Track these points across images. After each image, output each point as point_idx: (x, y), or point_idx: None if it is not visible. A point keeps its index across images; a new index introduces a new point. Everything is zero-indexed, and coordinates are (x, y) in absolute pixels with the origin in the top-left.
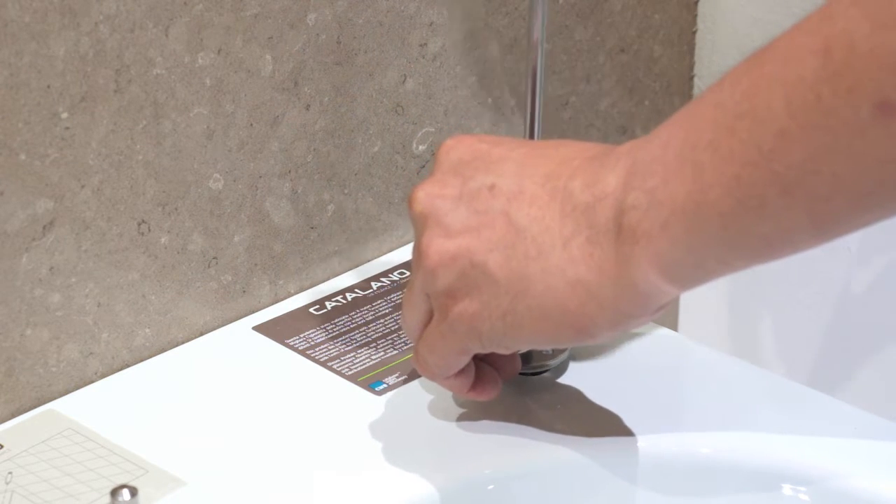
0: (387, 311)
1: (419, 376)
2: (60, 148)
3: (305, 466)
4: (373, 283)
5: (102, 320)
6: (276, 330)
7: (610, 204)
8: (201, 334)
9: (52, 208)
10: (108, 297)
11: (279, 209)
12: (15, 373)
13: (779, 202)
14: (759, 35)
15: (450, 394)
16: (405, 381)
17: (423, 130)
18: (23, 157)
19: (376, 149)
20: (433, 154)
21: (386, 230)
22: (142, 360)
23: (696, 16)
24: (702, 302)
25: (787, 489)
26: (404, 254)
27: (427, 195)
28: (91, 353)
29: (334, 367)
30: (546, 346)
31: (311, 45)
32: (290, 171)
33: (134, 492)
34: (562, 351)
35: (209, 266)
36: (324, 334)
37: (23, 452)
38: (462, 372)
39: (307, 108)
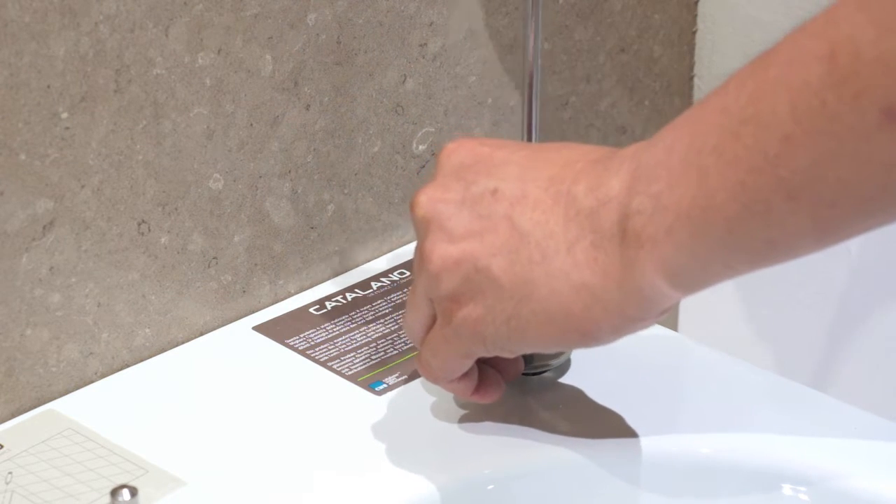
0: (387, 311)
1: (419, 376)
2: (60, 148)
3: (305, 466)
4: (373, 283)
5: (102, 320)
6: (276, 330)
7: (614, 208)
8: (201, 334)
9: (52, 208)
10: (108, 297)
11: (279, 209)
12: (15, 373)
13: (784, 207)
14: (759, 35)
15: (450, 394)
16: (405, 382)
17: (423, 130)
18: (23, 157)
19: (376, 149)
20: (433, 154)
21: (386, 230)
22: (142, 360)
23: (696, 16)
24: (702, 302)
25: (787, 489)
26: (404, 254)
27: (429, 199)
28: (91, 353)
29: (334, 367)
30: (550, 350)
31: (311, 45)
32: (290, 171)
33: (134, 492)
34: (563, 351)
35: (209, 266)
36: (324, 334)
37: (23, 452)
38: (465, 375)
39: (307, 108)
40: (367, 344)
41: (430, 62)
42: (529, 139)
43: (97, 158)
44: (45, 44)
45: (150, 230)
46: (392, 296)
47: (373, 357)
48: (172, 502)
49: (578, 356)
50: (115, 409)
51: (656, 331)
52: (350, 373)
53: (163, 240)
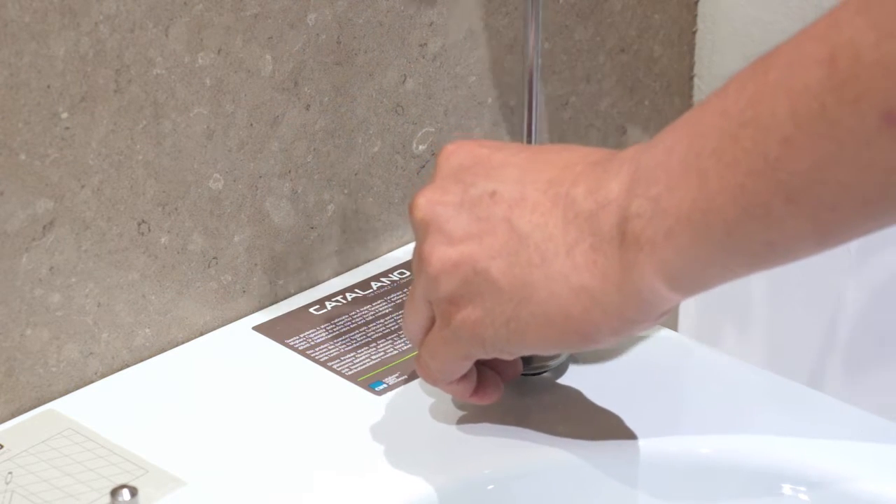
0: (387, 311)
1: (419, 376)
2: (60, 148)
3: (305, 466)
4: (373, 283)
5: (102, 320)
6: (276, 330)
7: (613, 211)
8: (201, 334)
9: (52, 208)
10: (108, 297)
11: (279, 209)
12: (15, 373)
13: (784, 210)
14: (759, 35)
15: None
16: (405, 381)
17: (423, 130)
18: (23, 157)
19: (376, 149)
20: (433, 155)
21: (386, 230)
22: (142, 360)
23: (696, 16)
24: (702, 302)
25: (787, 489)
26: (404, 254)
27: (428, 202)
28: (91, 353)
29: (334, 367)
30: (549, 352)
31: (311, 45)
32: (290, 171)
33: (134, 492)
34: None
35: (209, 266)
36: (324, 334)
37: (23, 452)
38: (464, 377)
39: (307, 108)
40: (367, 344)
41: (430, 62)
42: (529, 139)
43: (97, 158)
44: (45, 44)
45: (150, 230)
46: (392, 296)
47: (373, 357)
48: (172, 502)
49: (578, 357)
50: (115, 409)
51: (657, 331)
52: (350, 373)
53: (163, 240)
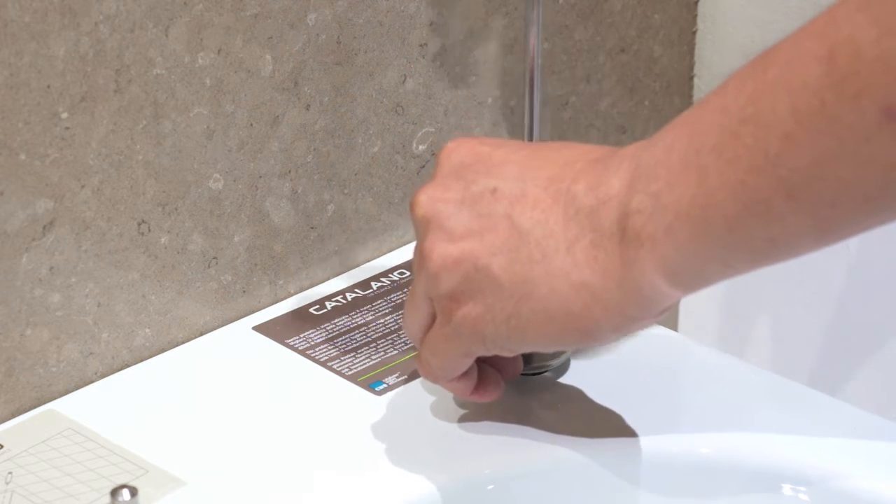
0: (387, 311)
1: (419, 376)
2: (60, 148)
3: (305, 466)
4: (373, 283)
5: (102, 320)
6: (276, 330)
7: (614, 207)
8: (201, 334)
9: (52, 208)
10: (108, 297)
11: (279, 209)
12: (15, 373)
13: (784, 206)
14: (759, 35)
15: (450, 394)
16: (405, 381)
17: (423, 130)
18: (23, 157)
19: (376, 149)
20: (433, 154)
21: (386, 230)
22: (142, 360)
23: (696, 16)
24: (702, 302)
25: (787, 489)
26: (404, 254)
27: (429, 199)
28: (91, 353)
29: (334, 367)
30: (550, 349)
31: (311, 45)
32: (290, 171)
33: (134, 492)
34: (562, 351)
35: (209, 266)
36: (324, 334)
37: (23, 452)
38: (465, 374)
39: (307, 108)
40: (366, 344)
41: (430, 62)
42: (529, 139)
43: (97, 158)
44: (45, 44)
45: (150, 230)
46: (392, 296)
47: (373, 357)
48: (172, 502)
49: (578, 356)
50: (115, 409)
51: (656, 331)
52: (350, 373)
53: (163, 240)
